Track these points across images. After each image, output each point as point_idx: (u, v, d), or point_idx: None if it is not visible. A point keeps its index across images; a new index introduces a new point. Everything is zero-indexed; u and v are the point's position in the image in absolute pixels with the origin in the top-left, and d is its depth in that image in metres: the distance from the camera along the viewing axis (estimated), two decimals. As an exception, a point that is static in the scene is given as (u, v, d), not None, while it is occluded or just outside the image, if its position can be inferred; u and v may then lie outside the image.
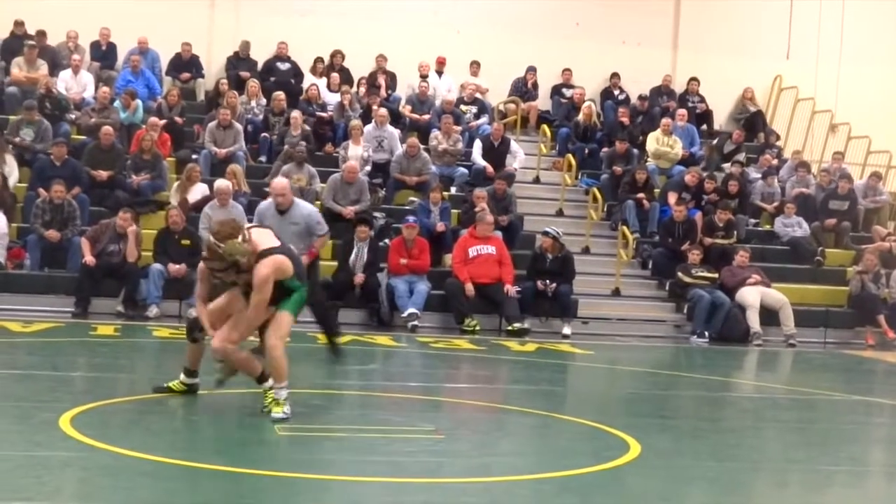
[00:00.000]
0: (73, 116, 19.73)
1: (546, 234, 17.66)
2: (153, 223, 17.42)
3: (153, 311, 15.98)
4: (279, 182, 12.21)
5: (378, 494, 6.95)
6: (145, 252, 16.42)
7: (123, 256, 16.03)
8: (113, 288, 16.09)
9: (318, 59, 22.59)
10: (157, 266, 16.13)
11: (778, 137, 24.17)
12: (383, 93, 22.15)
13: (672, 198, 19.81)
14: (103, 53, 21.83)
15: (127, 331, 14.78)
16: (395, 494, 6.94)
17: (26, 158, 18.19)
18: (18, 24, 21.12)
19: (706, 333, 17.55)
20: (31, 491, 6.45)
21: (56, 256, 16.60)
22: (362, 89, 22.20)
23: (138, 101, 19.98)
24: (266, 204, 12.35)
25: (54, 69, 20.66)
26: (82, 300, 15.87)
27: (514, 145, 20.83)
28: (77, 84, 20.62)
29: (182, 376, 9.56)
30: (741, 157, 22.12)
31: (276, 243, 8.94)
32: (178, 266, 16.14)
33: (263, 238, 8.92)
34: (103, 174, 17.91)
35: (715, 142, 22.65)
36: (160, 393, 9.42)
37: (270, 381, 9.03)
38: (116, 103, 19.77)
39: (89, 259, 15.88)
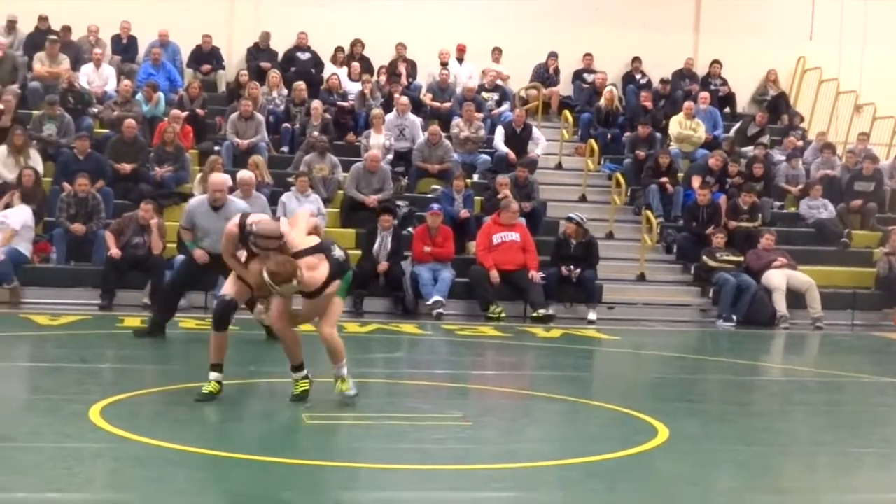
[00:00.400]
0: (95, 110, 19.80)
1: (570, 219, 17.63)
2: (177, 215, 17.41)
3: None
4: (218, 178, 12.26)
5: (406, 481, 6.96)
6: (170, 244, 16.46)
7: (148, 248, 16.07)
8: (139, 280, 16.13)
9: (339, 49, 22.59)
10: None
11: (802, 119, 24.05)
12: (404, 81, 22.13)
13: (696, 181, 19.75)
14: (124, 47, 21.89)
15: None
16: (423, 481, 6.95)
17: (50, 153, 18.27)
18: (42, 19, 21.22)
19: (732, 317, 17.50)
20: (63, 482, 6.49)
21: (82, 249, 16.67)
22: (383, 78, 22.19)
23: (160, 94, 20.04)
24: (199, 200, 12.49)
25: (76, 64, 20.73)
26: (108, 293, 15.93)
27: (535, 132, 20.79)
28: (99, 78, 20.69)
29: (214, 375, 9.18)
30: (765, 139, 22.03)
31: (325, 274, 8.80)
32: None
33: (317, 274, 8.75)
34: (127, 167, 17.97)
35: (738, 125, 22.54)
36: (204, 401, 9.01)
37: (304, 372, 9.08)
38: (138, 96, 19.84)
39: (114, 252, 15.93)
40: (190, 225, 12.36)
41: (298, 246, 8.81)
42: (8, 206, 16.52)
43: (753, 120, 22.40)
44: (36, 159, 17.70)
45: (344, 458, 7.52)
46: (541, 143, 20.72)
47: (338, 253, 8.98)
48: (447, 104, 21.76)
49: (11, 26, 21.33)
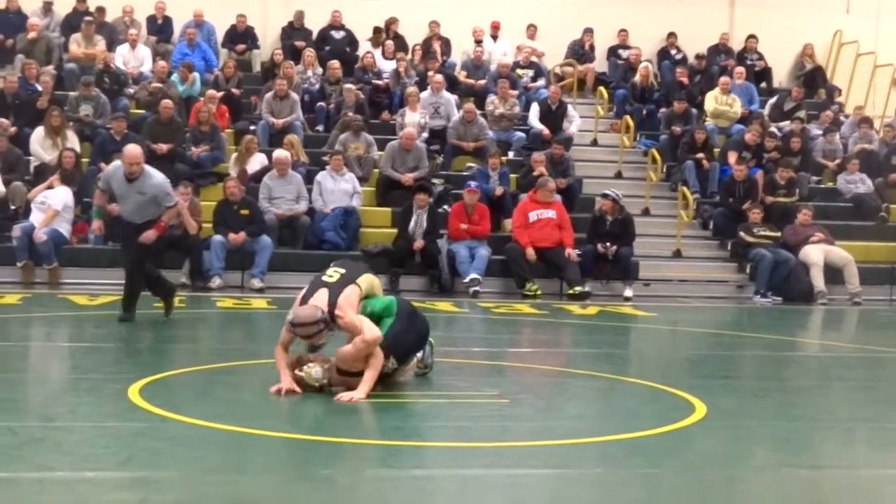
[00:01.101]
0: (131, 91, 19.88)
1: (605, 196, 17.60)
2: (213, 195, 17.53)
3: (216, 281, 16.12)
4: (133, 151, 11.94)
5: (444, 459, 6.98)
6: (206, 224, 16.54)
7: (184, 229, 16.13)
8: (176, 260, 16.21)
9: (377, 30, 22.54)
10: (218, 237, 16.26)
11: (840, 93, 23.88)
12: (438, 59, 22.09)
13: (732, 157, 19.65)
14: (159, 27, 21.98)
15: (191, 302, 14.92)
16: (460, 459, 6.95)
17: (86, 134, 18.37)
18: (81, 0, 21.30)
19: (769, 293, 17.43)
20: (103, 461, 6.53)
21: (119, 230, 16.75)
22: (417, 56, 22.16)
23: (195, 74, 20.10)
24: (115, 166, 12.22)
25: (112, 45, 20.83)
26: (145, 273, 16.00)
27: (570, 110, 20.75)
28: (134, 58, 20.79)
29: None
30: (801, 113, 21.89)
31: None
32: (237, 234, 16.25)
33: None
34: (163, 147, 18.03)
35: (773, 100, 22.40)
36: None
37: None
38: (174, 76, 19.90)
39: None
40: (107, 186, 12.21)
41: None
42: (49, 188, 16.63)
43: (789, 95, 22.26)
44: (73, 140, 17.81)
45: (382, 437, 7.54)
46: (575, 121, 20.69)
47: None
48: (482, 82, 21.71)
49: (48, 8, 21.46)
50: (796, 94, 22.25)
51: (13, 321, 12.99)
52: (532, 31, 23.19)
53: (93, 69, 19.77)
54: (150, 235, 12.01)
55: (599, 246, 17.19)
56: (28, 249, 16.02)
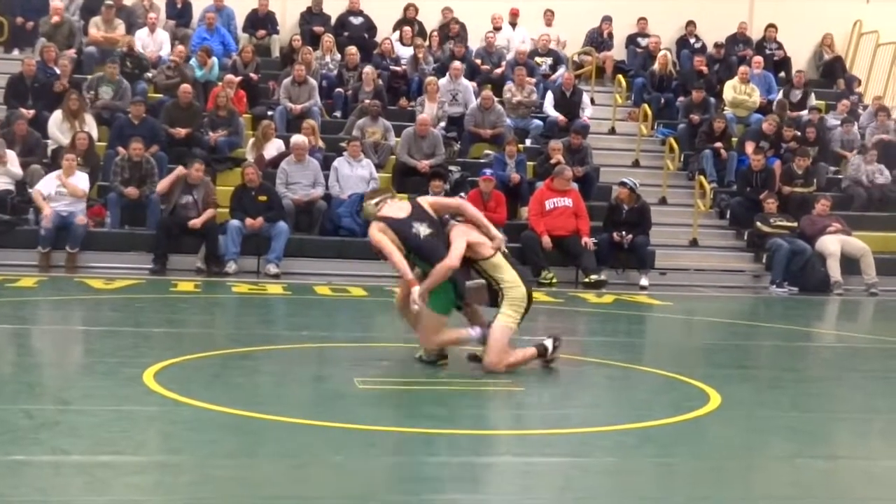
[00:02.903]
0: (149, 75, 19.90)
1: (623, 184, 17.56)
2: (230, 180, 17.55)
3: (232, 266, 16.12)
4: None
5: (459, 446, 6.98)
6: (222, 209, 16.56)
7: (198, 210, 16.15)
8: (192, 245, 16.26)
9: (400, 21, 22.54)
10: (234, 222, 16.26)
11: (859, 83, 23.78)
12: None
13: (750, 147, 19.59)
14: (179, 11, 21.98)
15: (207, 287, 14.94)
16: (475, 446, 6.96)
17: (105, 117, 18.39)
18: (104, -16, 21.37)
19: (785, 283, 17.39)
20: (118, 445, 6.56)
21: (136, 214, 16.79)
22: (435, 43, 22.12)
23: (214, 59, 20.11)
24: None
25: (131, 28, 20.85)
26: (161, 257, 16.05)
27: (584, 97, 20.70)
28: (153, 43, 20.79)
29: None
30: (811, 100, 21.81)
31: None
32: (255, 220, 16.26)
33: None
34: (181, 132, 18.07)
35: (781, 92, 22.27)
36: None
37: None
38: (192, 61, 19.91)
39: (162, 185, 16.08)
40: None
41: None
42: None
43: (792, 85, 22.09)
44: (91, 124, 17.83)
45: (395, 423, 7.54)
46: (587, 108, 20.64)
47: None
48: (498, 70, 21.64)
49: (70, -9, 21.49)
50: (797, 79, 22.09)
51: (30, 304, 13.03)
52: (549, 17, 23.12)
53: (112, 53, 19.79)
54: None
55: (615, 234, 17.15)
56: (53, 238, 16.02)
